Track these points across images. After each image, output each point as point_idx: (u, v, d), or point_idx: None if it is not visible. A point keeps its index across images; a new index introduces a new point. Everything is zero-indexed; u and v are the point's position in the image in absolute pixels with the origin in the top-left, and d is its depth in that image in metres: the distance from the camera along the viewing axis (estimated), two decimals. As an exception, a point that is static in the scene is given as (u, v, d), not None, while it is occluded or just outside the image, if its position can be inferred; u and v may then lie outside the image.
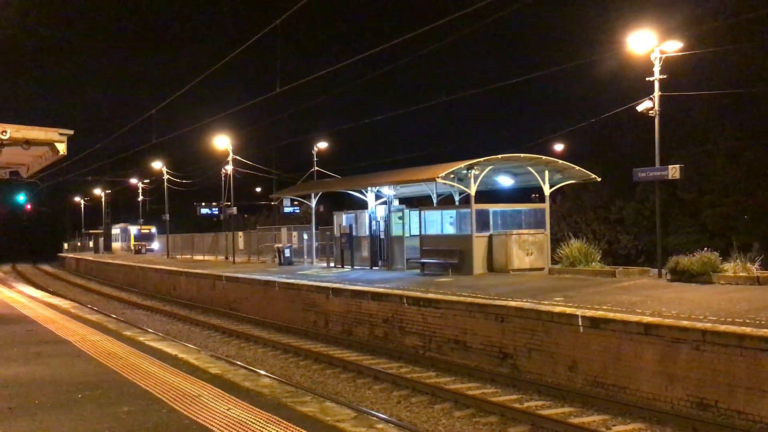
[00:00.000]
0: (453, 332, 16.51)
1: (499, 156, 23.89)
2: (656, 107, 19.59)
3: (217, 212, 51.71)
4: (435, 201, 29.35)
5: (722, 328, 11.20)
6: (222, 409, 7.44)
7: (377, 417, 10.67)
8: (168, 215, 55.46)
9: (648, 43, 19.31)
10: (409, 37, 17.28)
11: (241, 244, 44.76)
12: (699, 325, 11.56)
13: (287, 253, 34.88)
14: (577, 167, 24.96)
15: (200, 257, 48.88)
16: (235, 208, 44.56)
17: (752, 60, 36.90)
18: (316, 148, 43.50)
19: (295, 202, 51.02)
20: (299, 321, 22.86)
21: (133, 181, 72.38)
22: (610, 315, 13.06)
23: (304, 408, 7.46)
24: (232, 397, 8.01)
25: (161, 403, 7.75)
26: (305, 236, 35.73)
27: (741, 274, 17.29)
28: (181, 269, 36.41)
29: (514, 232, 23.65)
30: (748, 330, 10.90)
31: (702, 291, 16.08)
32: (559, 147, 46.44)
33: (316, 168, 43.12)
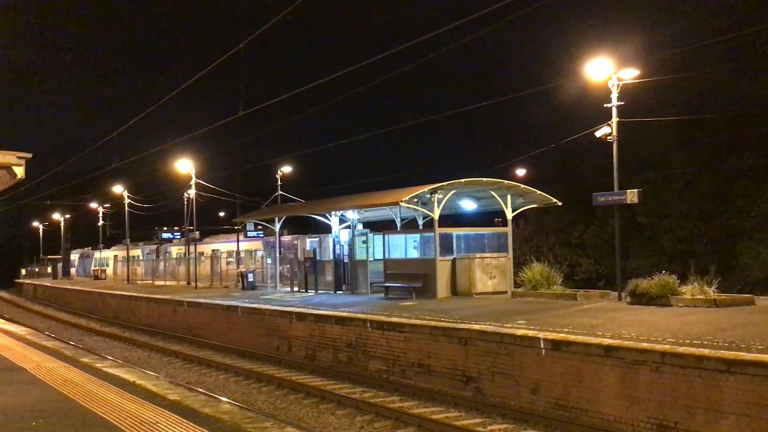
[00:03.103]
0: (417, 356, 16.47)
1: (462, 180, 24.09)
2: (614, 133, 19.98)
3: (179, 237, 51.14)
4: (399, 225, 29.43)
5: (681, 349, 11.37)
6: (180, 436, 7.30)
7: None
8: (129, 240, 54.64)
9: (605, 71, 19.74)
10: (373, 61, 17.38)
11: (204, 269, 44.25)
12: (658, 347, 11.72)
13: (250, 277, 34.57)
14: (539, 192, 25.26)
15: (161, 282, 48.17)
16: (197, 233, 44.11)
17: (707, 87, 37.91)
18: (280, 172, 43.41)
19: (259, 227, 50.69)
20: (262, 346, 22.61)
21: (93, 205, 71.23)
22: (572, 338, 13.17)
23: (265, 434, 7.36)
24: (191, 423, 7.86)
25: (118, 430, 7.57)
26: (269, 260, 35.48)
27: (699, 296, 17.58)
28: (141, 295, 35.81)
29: (478, 255, 23.79)
30: (706, 352, 11.07)
31: (661, 313, 16.31)
32: (521, 172, 47.01)
33: (280, 192, 43.00)
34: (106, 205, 68.00)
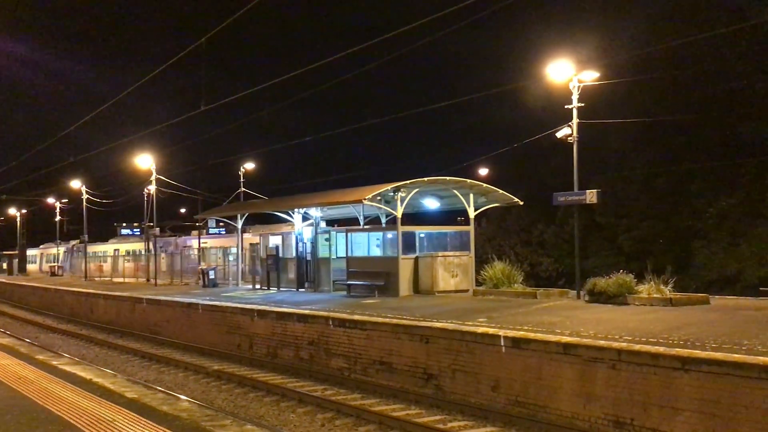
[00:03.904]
0: (379, 354, 16.51)
1: (425, 179, 24.20)
2: (575, 134, 20.27)
3: (139, 233, 50.40)
4: (362, 223, 29.44)
5: (637, 347, 11.59)
6: (138, 434, 7.22)
7: (300, 440, 10.54)
8: (87, 236, 53.70)
9: (566, 73, 20.01)
10: (337, 58, 17.34)
11: (163, 266, 43.72)
12: (615, 345, 11.92)
13: (211, 274, 34.25)
14: (501, 191, 25.49)
15: (120, 279, 47.46)
16: (158, 229, 43.56)
17: (665, 90, 38.66)
18: (243, 169, 43.09)
19: (221, 223, 50.28)
20: (223, 344, 22.43)
21: (51, 200, 69.83)
22: (531, 335, 13.33)
23: (224, 432, 7.32)
24: (149, 421, 7.78)
25: (74, 428, 7.46)
26: (230, 257, 35.21)
27: (655, 295, 17.94)
28: (99, 291, 35.24)
29: (440, 254, 23.92)
30: (661, 349, 11.30)
31: (618, 312, 16.60)
32: (484, 171, 47.41)
33: (243, 189, 42.69)
34: (63, 201, 66.71)
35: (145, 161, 39.63)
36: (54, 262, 68.32)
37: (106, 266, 55.03)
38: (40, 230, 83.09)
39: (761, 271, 33.76)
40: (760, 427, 9.83)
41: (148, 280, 42.49)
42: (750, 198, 36.92)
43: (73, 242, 66.08)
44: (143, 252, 50.57)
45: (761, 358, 10.11)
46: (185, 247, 46.29)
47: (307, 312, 19.39)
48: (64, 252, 64.21)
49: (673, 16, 39.95)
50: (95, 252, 60.83)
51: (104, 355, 23.05)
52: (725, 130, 38.08)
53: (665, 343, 11.79)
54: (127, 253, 55.70)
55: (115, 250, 58.93)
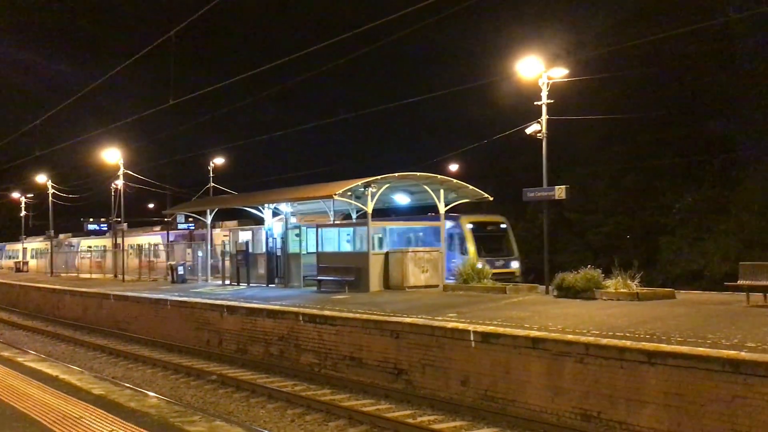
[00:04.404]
0: (349, 349, 16.51)
1: (396, 174, 24.22)
2: (544, 130, 20.43)
3: (106, 228, 49.67)
4: (333, 218, 29.39)
5: (604, 341, 11.74)
6: (104, 431, 7.13)
7: (270, 436, 10.51)
8: (53, 231, 52.85)
9: (536, 69, 20.16)
10: (309, 52, 17.26)
11: (132, 261, 43.21)
12: (583, 338, 12.06)
13: (180, 270, 33.94)
14: (471, 186, 25.61)
15: (87, 275, 46.81)
16: (125, 224, 42.99)
17: (633, 87, 39.16)
18: (212, 164, 42.74)
19: (190, 219, 49.84)
20: (192, 340, 22.25)
21: (15, 195, 68.53)
22: (500, 330, 13.43)
23: (193, 428, 7.27)
24: (117, 418, 7.70)
25: (40, 425, 7.35)
26: (200, 253, 34.92)
27: (622, 290, 18.18)
28: (65, 288, 34.72)
29: (410, 249, 23.98)
30: (628, 343, 11.46)
31: (586, 306, 16.79)
32: (455, 167, 47.55)
33: (213, 184, 42.35)
34: (28, 195, 65.53)
35: (112, 156, 39.09)
36: (20, 258, 67.13)
37: (75, 262, 54.23)
38: (5, 225, 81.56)
39: (725, 266, 34.38)
40: (724, 419, 10.03)
41: (115, 276, 41.96)
42: (715, 194, 37.59)
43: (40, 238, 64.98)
44: (105, 247, 49.94)
45: (725, 351, 10.30)
46: (139, 245, 45.75)
47: (277, 308, 19.31)
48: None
49: (640, 13, 40.47)
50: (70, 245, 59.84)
51: (71, 352, 22.73)
52: (691, 128, 38.70)
53: (632, 337, 11.96)
54: (89, 248, 54.99)
55: (87, 246, 58.04)
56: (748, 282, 16.32)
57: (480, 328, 13.75)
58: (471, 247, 29.04)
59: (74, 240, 60.01)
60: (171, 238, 43.59)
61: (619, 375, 11.32)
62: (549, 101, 20.42)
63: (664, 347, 10.91)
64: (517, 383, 12.84)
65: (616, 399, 11.33)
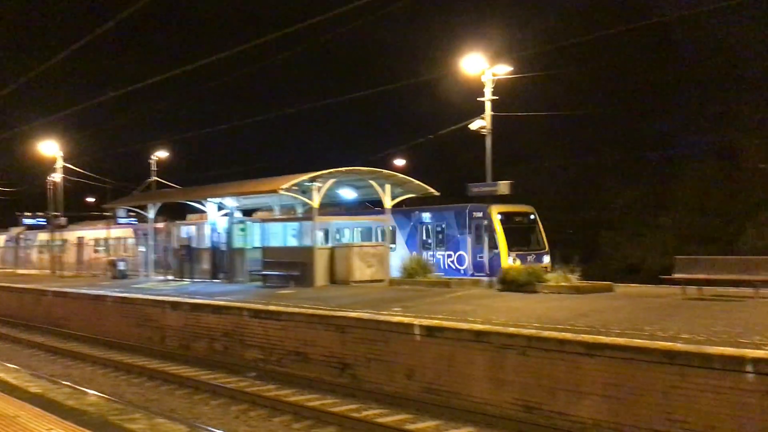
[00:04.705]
0: (294, 344, 16.44)
1: (342, 169, 24.20)
2: (488, 126, 20.70)
3: (44, 222, 48.32)
4: (278, 213, 29.19)
5: (545, 334, 11.97)
6: (42, 430, 6.95)
7: (213, 432, 10.41)
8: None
9: (479, 66, 20.39)
10: (254, 45, 17.03)
11: (71, 257, 42.13)
12: (525, 331, 12.27)
13: (121, 266, 33.25)
14: (417, 181, 25.76)
15: (24, 271, 45.45)
16: (64, 219, 41.89)
17: (576, 86, 39.95)
18: (155, 157, 41.95)
19: (132, 214, 48.78)
20: (133, 337, 21.83)
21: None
22: (445, 324, 13.57)
23: (133, 425, 7.16)
24: (54, 416, 7.51)
25: (-29, 427, 7.12)
26: (141, 248, 34.27)
27: (563, 284, 18.57)
28: (0, 284, 33.64)
29: (356, 244, 24.01)
30: (568, 336, 11.71)
31: (528, 300, 17.09)
32: (402, 162, 47.73)
33: (155, 178, 41.59)
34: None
35: (49, 148, 38.00)
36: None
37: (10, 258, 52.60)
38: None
39: (663, 259, 35.42)
40: (661, 408, 10.33)
41: (54, 271, 40.87)
42: (653, 190, 38.65)
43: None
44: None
45: (661, 343, 10.62)
46: (79, 237, 44.56)
47: (221, 303, 19.11)
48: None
49: (581, 12, 41.28)
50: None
51: (7, 349, 22.05)
52: (631, 125, 39.72)
53: (572, 329, 12.22)
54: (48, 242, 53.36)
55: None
56: (683, 275, 16.85)
57: (425, 322, 13.86)
58: (501, 240, 26.17)
59: (31, 234, 58.06)
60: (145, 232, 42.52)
61: (560, 367, 11.55)
62: (493, 98, 20.69)
63: (603, 339, 11.18)
64: (461, 376, 12.99)
65: (556, 390, 11.56)
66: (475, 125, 21.03)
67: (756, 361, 9.42)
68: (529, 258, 26.03)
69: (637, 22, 31.61)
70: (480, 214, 26.77)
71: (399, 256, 26.46)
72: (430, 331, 13.63)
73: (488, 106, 20.65)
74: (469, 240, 26.39)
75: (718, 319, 12.96)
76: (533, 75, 27.48)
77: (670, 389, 10.20)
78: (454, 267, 27.23)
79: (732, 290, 17.09)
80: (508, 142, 39.30)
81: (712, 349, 9.98)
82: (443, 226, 27.95)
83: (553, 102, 39.28)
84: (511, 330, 12.46)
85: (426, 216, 28.81)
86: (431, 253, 27.90)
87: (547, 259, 27.04)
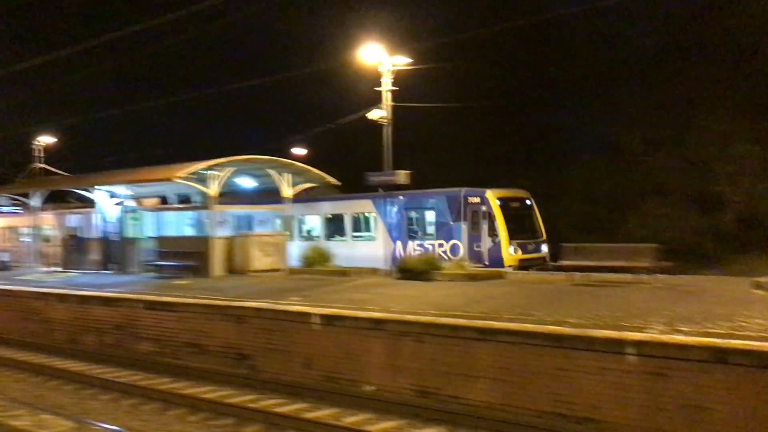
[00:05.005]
0: (190, 336, 16.12)
1: (241, 158, 23.82)
2: (387, 116, 20.89)
3: None
4: (175, 202, 28.44)
5: (440, 320, 12.25)
6: None
7: (101, 427, 10.09)
8: None
9: (378, 57, 20.54)
10: (147, 27, 16.48)
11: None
12: (421, 318, 12.52)
13: (3, 257, 31.51)
14: (316, 170, 25.70)
15: None
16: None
17: (472, 77, 40.83)
18: (39, 142, 39.93)
19: (17, 202, 46.25)
20: (17, 331, 20.75)
21: None
22: (343, 312, 13.66)
23: (17, 422, 6.86)
24: (-73, 417, 7.08)
25: None
26: (25, 239, 32.60)
27: (458, 272, 19.05)
28: None
29: (255, 234, 23.73)
30: (462, 322, 12.03)
31: (425, 288, 17.43)
32: (303, 151, 47.39)
33: (42, 165, 39.62)
34: None
35: None
36: None
37: None
38: None
39: (552, 247, 36.83)
40: (549, 389, 10.78)
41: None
42: (546, 180, 40.04)
43: None
44: None
45: (549, 327, 11.08)
46: None
47: (112, 295, 18.47)
48: None
49: (477, 4, 42.18)
50: None
51: None
52: (525, 117, 41.01)
53: (466, 315, 12.57)
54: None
55: None
56: (570, 262, 17.62)
57: (323, 311, 13.89)
58: (502, 228, 23.81)
59: None
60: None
61: (454, 352, 11.86)
62: (393, 88, 20.88)
63: (495, 325, 11.56)
64: (360, 364, 13.12)
65: (451, 375, 11.87)
66: (373, 115, 21.18)
67: (636, 343, 9.98)
68: (529, 247, 24.26)
69: (531, 17, 32.66)
70: (477, 200, 24.42)
71: (381, 248, 25.02)
72: (328, 319, 13.68)
73: (387, 96, 20.84)
74: (464, 228, 23.87)
75: (602, 304, 13.64)
76: (431, 67, 27.88)
77: (557, 371, 10.67)
78: (447, 258, 23.98)
79: (615, 276, 18.01)
80: (409, 132, 39.79)
81: (595, 333, 10.50)
82: (433, 212, 25.28)
83: (452, 94, 39.98)
84: (408, 318, 12.68)
85: (412, 201, 25.91)
86: (419, 242, 25.29)
87: (545, 248, 25.23)
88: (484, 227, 24.02)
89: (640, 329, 10.53)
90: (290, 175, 25.36)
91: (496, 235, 23.70)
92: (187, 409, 12.36)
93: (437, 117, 40.25)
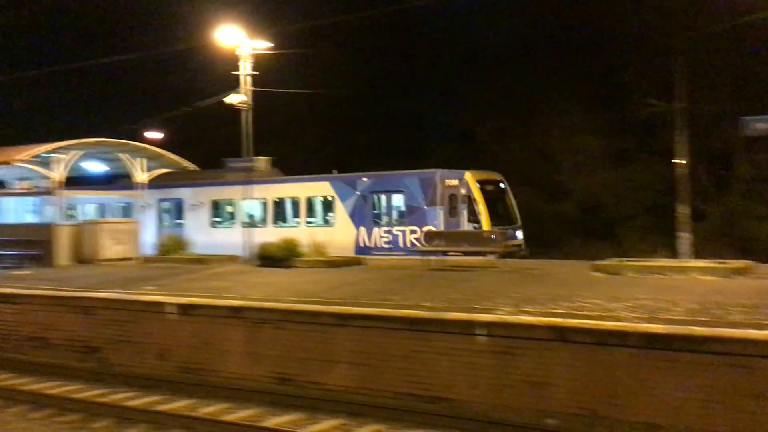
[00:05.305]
0: (33, 329, 15.18)
1: (89, 140, 22.64)
2: (247, 101, 20.57)
3: None
4: (16, 187, 26.57)
5: (300, 307, 12.28)
6: None
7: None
8: None
9: (237, 39, 20.14)
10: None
11: None
12: (281, 305, 12.49)
13: None
14: (172, 155, 24.93)
15: None
16: None
17: (333, 66, 40.95)
18: None
19: None
20: None
21: None
22: (200, 301, 13.36)
23: None
24: None
25: None
26: None
27: (318, 258, 19.15)
28: None
29: (104, 221, 22.68)
30: (321, 308, 12.11)
31: (285, 275, 17.39)
32: (159, 135, 45.57)
33: None
34: None
35: None
36: None
37: None
38: None
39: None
40: (405, 372, 11.08)
41: None
42: (403, 168, 40.88)
43: None
44: None
45: (405, 311, 11.39)
46: None
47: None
48: None
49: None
50: None
51: None
52: (383, 105, 41.69)
53: (326, 301, 12.66)
54: None
55: None
56: (426, 248, 18.18)
57: (179, 300, 13.53)
58: (484, 214, 22.05)
59: None
60: None
61: (314, 338, 11.93)
62: (253, 72, 20.56)
63: (353, 310, 11.74)
64: (218, 353, 12.90)
65: (310, 361, 11.93)
66: (232, 99, 20.76)
67: (486, 324, 10.47)
68: (508, 233, 21.99)
69: (390, 6, 33.16)
70: (455, 182, 22.41)
71: (340, 235, 23.12)
72: (184, 309, 13.34)
73: (247, 80, 20.50)
74: (440, 213, 21.99)
75: (455, 287, 14.19)
76: (293, 52, 27.71)
77: (413, 354, 11.00)
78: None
79: (468, 260, 18.76)
80: (270, 118, 39.32)
81: (448, 315, 10.92)
82: (403, 195, 23.09)
83: (313, 80, 39.91)
84: (267, 305, 12.61)
85: (378, 184, 23.70)
86: (386, 229, 23.17)
87: (520, 235, 23.64)
88: (464, 213, 22.21)
89: (489, 311, 11.04)
90: (144, 160, 24.39)
91: (478, 222, 21.92)
92: (31, 406, 11.65)
93: (300, 103, 40.10)
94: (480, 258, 18.23)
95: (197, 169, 26.47)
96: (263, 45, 20.66)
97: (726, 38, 27.96)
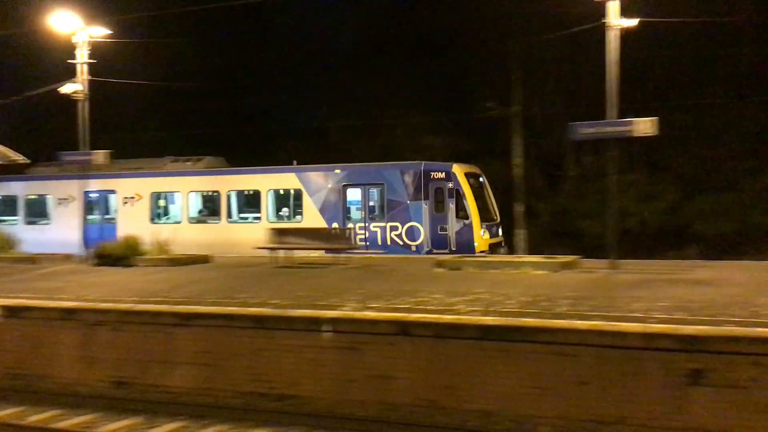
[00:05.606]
0: None
1: None
2: (83, 90, 19.47)
3: None
4: None
5: (139, 307, 11.84)
6: None
7: None
8: None
9: (72, 25, 18.99)
10: None
11: None
12: (119, 306, 11.99)
13: None
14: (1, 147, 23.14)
15: None
16: None
17: (180, 57, 39.66)
18: None
19: None
20: None
21: None
22: (30, 303, 12.59)
23: None
24: None
25: None
26: None
27: (161, 256, 18.53)
28: None
29: None
30: (163, 308, 11.75)
31: (126, 274, 16.69)
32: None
33: None
34: None
35: None
36: None
37: None
38: None
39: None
40: (250, 370, 10.97)
41: None
42: (256, 163, 40.32)
43: None
44: None
45: (251, 309, 11.30)
46: None
47: None
48: None
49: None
50: None
51: None
52: (234, 99, 40.94)
53: (169, 301, 12.29)
54: None
55: None
56: (274, 244, 18.10)
57: (5, 302, 12.65)
58: (473, 208, 20.90)
59: None
60: None
61: (155, 339, 11.54)
62: (90, 61, 19.48)
63: (197, 309, 11.48)
64: (49, 357, 12.18)
65: (151, 363, 11.53)
66: (67, 89, 19.54)
67: (331, 320, 10.59)
68: (492, 230, 21.54)
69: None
70: (442, 175, 21.10)
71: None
72: (12, 311, 12.50)
73: (83, 69, 19.36)
74: (425, 208, 20.76)
75: (303, 284, 14.24)
76: (135, 41, 26.50)
77: (259, 352, 10.92)
78: (401, 243, 21.11)
79: (315, 256, 18.86)
80: (112, 109, 37.41)
81: (295, 312, 10.95)
82: (381, 190, 21.49)
83: (157, 71, 38.38)
84: (104, 306, 12.07)
85: (353, 176, 21.97)
86: (363, 224, 21.53)
87: (500, 230, 22.68)
88: (451, 207, 20.94)
89: (335, 307, 11.18)
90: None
91: (467, 217, 20.75)
92: None
93: (144, 94, 38.47)
94: (327, 255, 18.39)
95: (28, 161, 24.77)
96: (101, 32, 19.57)
97: (557, 47, 29.87)
